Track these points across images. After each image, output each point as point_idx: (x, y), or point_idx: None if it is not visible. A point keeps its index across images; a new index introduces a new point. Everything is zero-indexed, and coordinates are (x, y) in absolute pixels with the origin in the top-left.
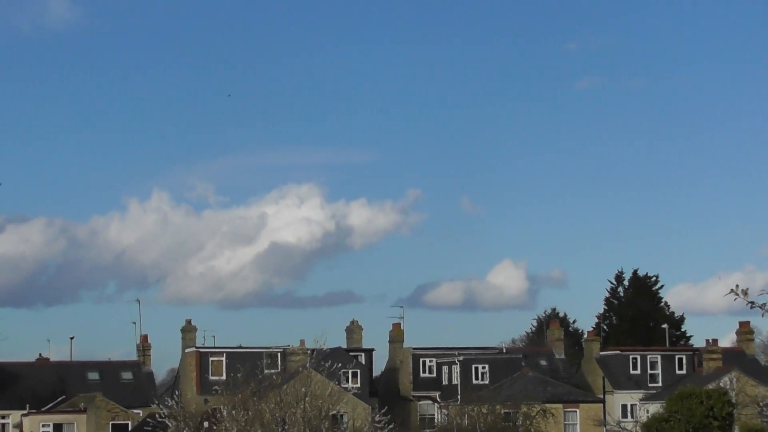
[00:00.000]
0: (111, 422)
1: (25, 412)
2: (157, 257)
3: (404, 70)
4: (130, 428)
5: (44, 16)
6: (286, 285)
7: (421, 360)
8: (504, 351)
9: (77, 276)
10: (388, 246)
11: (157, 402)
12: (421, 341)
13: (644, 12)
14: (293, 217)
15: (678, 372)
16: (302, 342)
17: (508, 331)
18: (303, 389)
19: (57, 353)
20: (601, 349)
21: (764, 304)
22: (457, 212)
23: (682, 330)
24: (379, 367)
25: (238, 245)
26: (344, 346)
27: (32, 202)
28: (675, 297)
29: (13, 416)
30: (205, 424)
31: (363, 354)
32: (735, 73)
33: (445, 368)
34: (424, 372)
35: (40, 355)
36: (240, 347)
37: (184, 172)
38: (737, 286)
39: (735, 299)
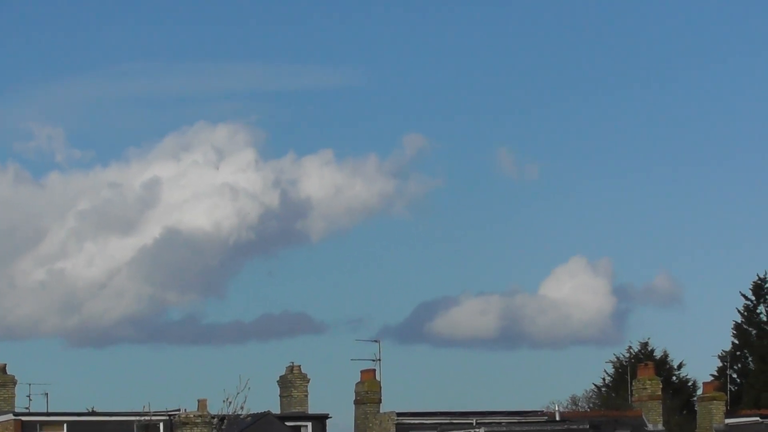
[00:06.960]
0: None
1: None
2: None
3: None
4: None
5: None
6: (189, 305)
7: None
8: (557, 418)
9: None
10: (368, 235)
11: None
12: (414, 401)
13: None
14: (204, 185)
15: None
16: (203, 403)
17: (566, 382)
18: None
19: None
20: (728, 414)
21: None
22: (490, 175)
23: None
24: None
25: (107, 234)
26: (276, 410)
27: None
28: None
29: None
30: None
31: (309, 424)
32: None
33: None
34: None
35: None
36: (93, 412)
37: (9, 103)
38: None
39: None
